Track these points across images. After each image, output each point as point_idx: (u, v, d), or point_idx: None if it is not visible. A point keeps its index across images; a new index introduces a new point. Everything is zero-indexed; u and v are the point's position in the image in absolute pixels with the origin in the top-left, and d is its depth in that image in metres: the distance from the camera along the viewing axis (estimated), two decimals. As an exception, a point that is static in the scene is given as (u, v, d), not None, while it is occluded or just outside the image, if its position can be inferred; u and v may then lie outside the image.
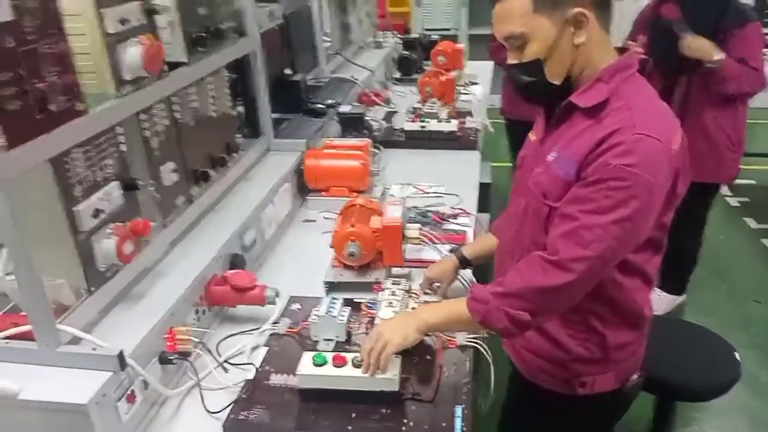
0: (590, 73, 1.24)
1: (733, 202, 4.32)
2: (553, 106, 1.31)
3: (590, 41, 1.22)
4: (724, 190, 4.44)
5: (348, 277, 1.69)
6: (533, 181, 1.31)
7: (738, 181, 4.42)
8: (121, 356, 1.15)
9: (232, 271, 1.58)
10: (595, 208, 1.16)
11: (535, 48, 1.23)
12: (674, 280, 3.05)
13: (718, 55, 2.50)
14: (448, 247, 1.78)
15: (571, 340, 1.35)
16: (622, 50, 1.29)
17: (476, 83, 3.39)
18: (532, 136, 1.43)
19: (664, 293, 3.09)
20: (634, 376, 1.43)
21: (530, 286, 1.22)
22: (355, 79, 3.06)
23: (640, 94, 1.24)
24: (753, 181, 4.55)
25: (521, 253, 1.33)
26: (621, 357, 1.38)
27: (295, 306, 1.59)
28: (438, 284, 1.62)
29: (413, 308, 1.49)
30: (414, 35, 4.02)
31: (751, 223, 4.03)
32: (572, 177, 1.22)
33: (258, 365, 1.38)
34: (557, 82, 1.25)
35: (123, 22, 1.33)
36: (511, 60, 1.28)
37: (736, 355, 1.95)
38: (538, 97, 1.33)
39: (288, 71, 2.68)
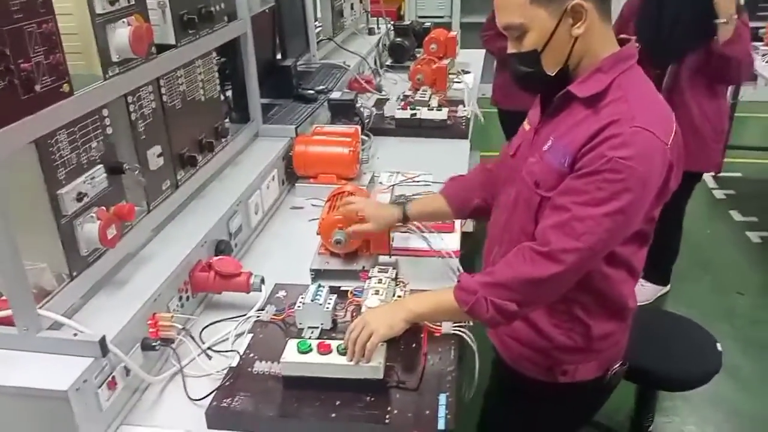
0: (589, 64, 1.24)
1: (719, 194, 4.35)
2: (550, 96, 1.31)
3: (589, 32, 1.21)
4: (710, 182, 4.48)
5: (334, 264, 1.69)
6: (527, 170, 1.31)
7: (724, 174, 4.50)
8: (102, 342, 1.14)
9: (218, 258, 1.57)
10: (588, 200, 1.17)
11: (533, 38, 1.23)
12: (657, 270, 3.08)
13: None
14: (435, 235, 1.78)
15: (554, 329, 1.36)
16: (621, 41, 1.28)
17: (468, 72, 3.38)
18: (526, 126, 1.43)
19: (649, 283, 3.12)
20: (616, 366, 1.44)
21: (519, 276, 1.23)
22: (347, 66, 3.04)
23: (639, 86, 1.24)
24: (739, 174, 4.59)
25: (509, 242, 1.34)
26: (604, 347, 1.39)
27: (281, 293, 1.58)
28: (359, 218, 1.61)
29: (399, 297, 1.49)
30: (407, 22, 3.99)
31: (736, 215, 4.07)
32: (566, 167, 1.22)
33: (242, 352, 1.37)
34: (553, 73, 1.25)
35: (112, 2, 1.31)
36: (511, 49, 1.28)
37: (718, 346, 1.97)
38: (534, 87, 1.34)
39: (278, 56, 2.66)
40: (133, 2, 1.38)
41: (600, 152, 1.16)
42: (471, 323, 1.45)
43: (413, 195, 2.03)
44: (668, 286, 3.23)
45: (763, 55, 4.04)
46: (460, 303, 1.26)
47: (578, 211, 1.17)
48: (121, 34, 1.33)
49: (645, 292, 3.07)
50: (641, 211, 1.21)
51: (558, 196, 1.22)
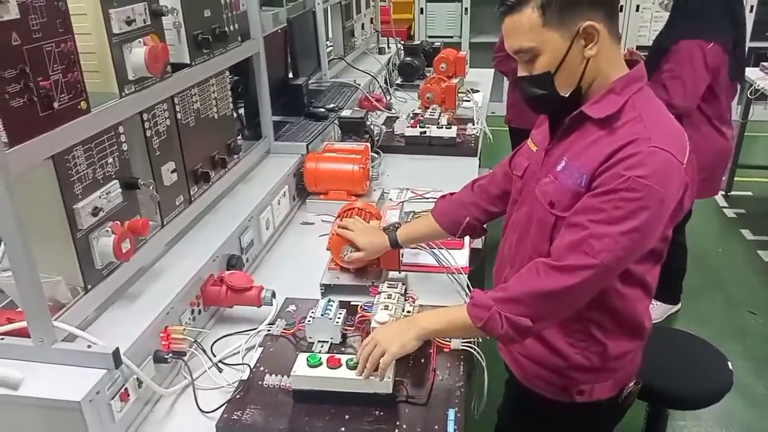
0: (601, 85, 1.25)
1: (730, 213, 4.33)
2: (559, 117, 1.31)
3: (601, 54, 1.22)
4: (721, 201, 4.46)
5: (344, 279, 1.70)
6: (540, 190, 1.32)
7: (734, 193, 4.49)
8: (116, 354, 1.16)
9: (229, 272, 1.59)
10: (606, 218, 1.17)
11: (545, 61, 1.23)
12: (666, 289, 3.06)
13: None
14: (445, 251, 1.79)
15: (570, 348, 1.35)
16: (630, 63, 1.29)
17: (477, 91, 3.41)
18: (532, 147, 1.43)
19: (659, 302, 3.10)
20: (631, 384, 1.43)
21: (532, 290, 1.22)
22: (357, 84, 3.08)
23: (652, 107, 1.25)
24: (749, 193, 4.57)
25: (521, 261, 1.34)
26: (620, 366, 1.39)
27: (291, 307, 1.59)
28: (354, 251, 1.64)
29: (408, 312, 1.49)
30: (416, 42, 4.04)
31: (747, 234, 4.05)
32: (582, 188, 1.22)
33: (252, 366, 1.38)
34: (566, 94, 1.25)
35: (129, 22, 1.34)
36: (522, 72, 1.28)
37: (729, 364, 1.96)
38: (547, 109, 1.34)
39: (290, 75, 2.70)
40: (149, 23, 1.41)
41: (617, 172, 1.16)
42: (481, 339, 1.45)
43: (422, 212, 2.04)
44: (679, 305, 3.20)
45: (771, 75, 4.04)
46: (474, 319, 1.25)
47: (595, 229, 1.17)
48: (137, 54, 1.37)
49: (655, 310, 3.06)
50: (657, 230, 1.21)
51: (574, 215, 1.22)
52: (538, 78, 1.25)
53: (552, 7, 1.19)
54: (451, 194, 1.70)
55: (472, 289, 1.42)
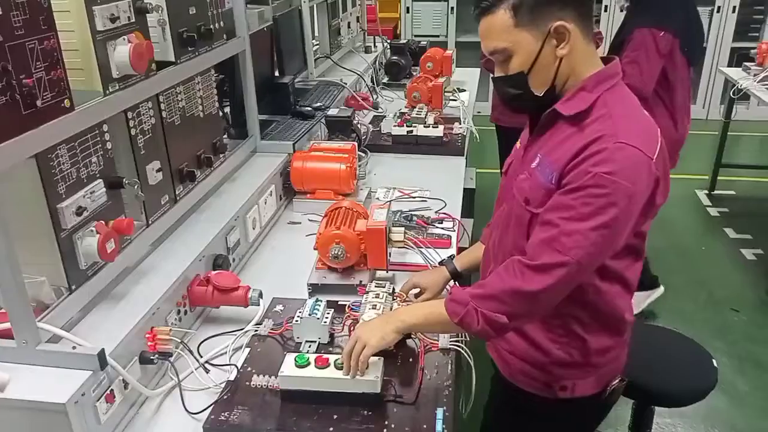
0: (575, 83, 1.27)
1: (713, 212, 4.38)
2: (539, 115, 1.33)
3: (573, 52, 1.24)
4: (705, 200, 4.51)
5: (332, 279, 1.70)
6: (517, 187, 1.34)
7: (718, 192, 4.54)
8: (101, 355, 1.15)
9: (216, 272, 1.57)
10: (575, 215, 1.18)
11: (518, 61, 1.25)
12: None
13: None
14: (432, 251, 1.79)
15: (551, 343, 1.37)
16: (605, 60, 1.31)
17: (464, 90, 3.42)
18: (518, 144, 1.45)
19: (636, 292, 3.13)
20: (615, 381, 1.44)
21: (509, 288, 1.23)
22: (344, 83, 3.07)
23: (623, 103, 1.26)
24: (732, 192, 4.62)
25: (503, 257, 1.35)
26: (602, 362, 1.40)
27: (279, 307, 1.59)
28: (418, 291, 1.62)
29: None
30: (403, 41, 4.04)
31: (730, 233, 4.09)
32: (553, 184, 1.24)
33: (240, 366, 1.37)
34: (540, 94, 1.28)
35: (113, 19, 1.33)
36: (498, 73, 1.31)
37: (714, 362, 1.98)
38: (524, 107, 1.36)
39: (276, 73, 2.69)
40: (133, 20, 1.40)
41: (584, 168, 1.17)
42: (468, 338, 1.46)
43: (409, 210, 2.05)
44: (661, 288, 3.23)
45: (755, 75, 4.09)
46: (451, 314, 1.26)
47: (566, 226, 1.19)
48: (121, 51, 1.35)
49: (635, 302, 3.08)
50: (628, 225, 1.21)
51: (546, 212, 1.23)
52: (512, 78, 1.27)
53: (523, 8, 1.21)
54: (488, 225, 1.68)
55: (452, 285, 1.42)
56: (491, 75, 1.34)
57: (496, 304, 1.23)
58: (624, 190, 1.16)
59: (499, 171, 3.95)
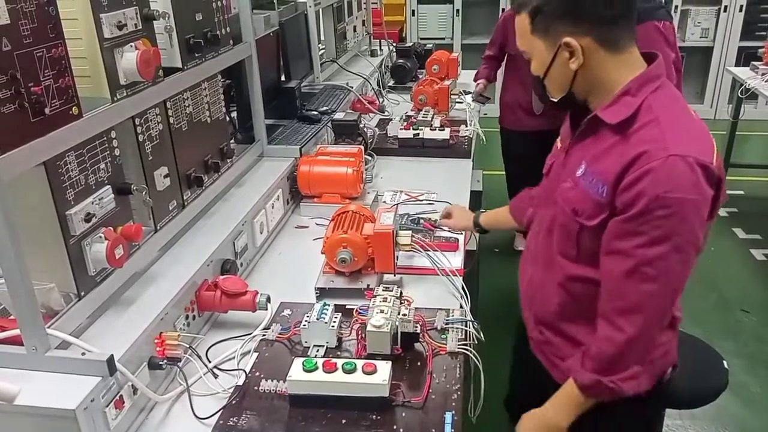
0: (606, 90, 1.24)
1: (722, 212, 4.35)
2: (575, 114, 1.33)
3: (594, 65, 1.22)
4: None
5: (339, 283, 1.70)
6: (562, 196, 1.31)
7: (727, 192, 4.50)
8: (110, 361, 1.15)
9: (223, 277, 1.58)
10: (649, 241, 1.16)
11: (535, 65, 1.29)
12: None
13: None
14: (439, 254, 1.79)
15: None
16: (648, 58, 1.27)
17: (470, 92, 3.41)
18: (558, 143, 1.44)
19: None
20: (669, 370, 1.43)
21: (622, 345, 1.23)
22: (350, 87, 3.07)
23: (670, 107, 1.22)
24: (741, 192, 4.59)
25: (545, 262, 1.38)
26: (656, 356, 1.37)
27: (286, 312, 1.59)
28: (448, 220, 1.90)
29: (404, 315, 1.47)
30: (408, 44, 4.04)
31: (740, 233, 4.07)
32: (603, 197, 1.21)
33: (248, 371, 1.38)
34: (556, 99, 1.30)
35: (120, 27, 1.34)
36: (531, 68, 1.34)
37: (725, 363, 1.96)
38: (549, 104, 1.35)
39: (283, 78, 2.69)
40: (140, 27, 1.41)
41: (642, 191, 1.14)
42: (476, 341, 1.46)
43: (416, 213, 2.05)
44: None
45: (763, 74, 4.06)
46: (596, 398, 1.29)
47: (644, 255, 1.17)
48: (128, 58, 1.36)
49: None
50: (702, 233, 1.19)
51: (615, 241, 1.20)
52: (534, 78, 1.32)
53: (538, 17, 1.24)
54: (527, 189, 1.75)
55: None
56: None
57: (622, 366, 1.25)
58: (690, 204, 1.14)
59: (503, 173, 3.97)
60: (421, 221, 2.00)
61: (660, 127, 1.17)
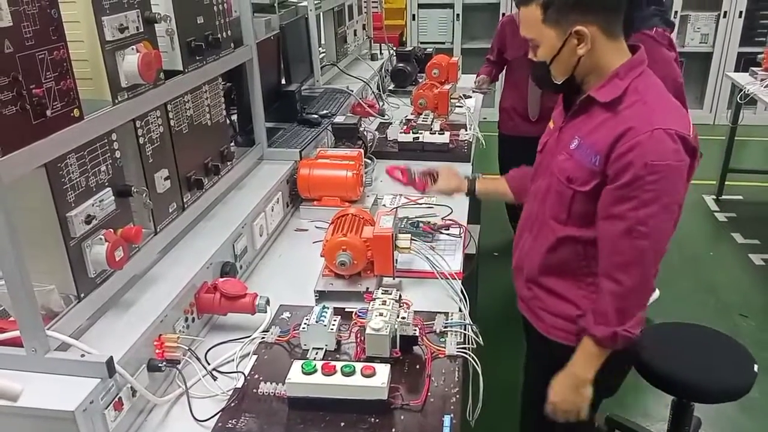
0: (600, 74, 1.42)
1: (721, 217, 4.36)
2: (569, 97, 1.51)
3: (595, 51, 1.40)
4: (712, 205, 4.50)
5: (338, 286, 1.70)
6: (558, 167, 1.49)
7: (725, 197, 4.53)
8: (110, 363, 1.15)
9: (223, 279, 1.58)
10: (641, 203, 1.34)
11: (542, 52, 1.45)
12: None
13: None
14: (438, 257, 1.79)
15: (583, 299, 1.52)
16: (632, 48, 1.45)
17: (470, 96, 3.43)
18: (551, 124, 1.62)
19: None
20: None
21: (628, 295, 1.41)
22: (350, 90, 3.08)
23: (653, 89, 1.41)
24: (740, 197, 4.60)
25: (539, 227, 1.57)
26: None
27: (285, 315, 1.59)
28: (434, 178, 1.97)
29: (403, 318, 1.47)
30: (409, 48, 4.05)
31: (738, 238, 4.07)
32: (596, 166, 1.39)
33: (247, 373, 1.38)
34: (560, 82, 1.46)
35: (122, 29, 1.34)
36: (530, 55, 1.50)
37: (755, 367, 1.99)
38: (548, 88, 1.52)
39: (283, 81, 2.70)
40: (142, 30, 1.41)
41: (632, 161, 1.32)
42: (475, 345, 1.46)
43: (416, 217, 2.05)
44: (657, 291, 3.22)
45: (762, 80, 4.08)
46: (613, 347, 1.45)
47: (636, 215, 1.35)
48: (130, 61, 1.36)
49: None
50: (683, 194, 1.39)
51: (610, 207, 1.38)
52: (538, 64, 1.47)
53: (550, 8, 1.39)
54: (521, 167, 1.89)
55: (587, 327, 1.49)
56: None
57: (630, 314, 1.41)
58: (674, 169, 1.33)
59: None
60: (421, 225, 2.00)
61: (646, 105, 1.36)
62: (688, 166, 1.36)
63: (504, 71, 3.60)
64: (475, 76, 3.66)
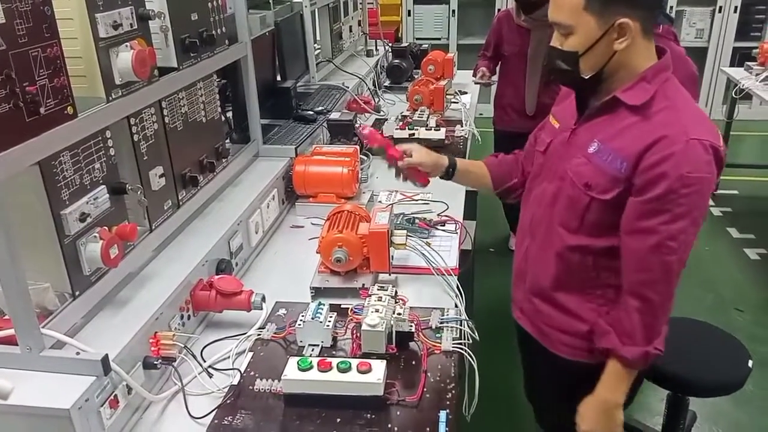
0: (627, 74, 1.33)
1: (716, 212, 4.37)
2: (584, 96, 1.41)
3: (631, 48, 1.30)
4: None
5: (334, 282, 1.70)
6: (573, 170, 1.40)
7: (720, 192, 4.54)
8: (105, 361, 1.15)
9: (219, 276, 1.58)
10: (671, 218, 1.28)
11: (576, 41, 1.32)
12: None
13: None
14: (435, 253, 1.79)
15: (592, 313, 1.45)
16: (658, 51, 1.37)
17: (465, 92, 3.42)
18: (554, 123, 1.51)
19: None
20: None
21: (659, 314, 1.36)
22: (345, 87, 3.08)
23: (682, 96, 1.35)
24: (735, 192, 4.61)
25: (544, 234, 1.47)
26: None
27: (281, 311, 1.59)
28: (410, 157, 1.70)
29: (399, 314, 1.47)
30: (404, 44, 4.05)
31: (734, 232, 4.09)
32: (622, 173, 1.31)
33: (243, 370, 1.38)
34: (587, 76, 1.34)
35: (115, 26, 1.34)
36: (554, 43, 1.37)
37: (750, 363, 2.00)
38: (566, 82, 1.44)
39: (278, 78, 2.69)
40: (135, 27, 1.41)
41: (665, 172, 1.25)
42: (471, 340, 1.46)
43: (411, 213, 2.05)
44: None
45: (757, 75, 4.08)
46: (644, 366, 1.41)
47: (667, 231, 1.28)
48: (124, 58, 1.36)
49: None
50: (708, 205, 1.35)
51: (637, 221, 1.31)
52: (566, 54, 1.34)
53: None
54: (498, 154, 1.79)
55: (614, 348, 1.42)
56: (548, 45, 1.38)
57: (657, 330, 1.37)
58: (707, 182, 1.27)
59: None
60: (417, 221, 2.00)
61: (677, 112, 1.29)
62: (716, 177, 1.30)
63: (500, 66, 3.59)
64: (473, 70, 3.63)
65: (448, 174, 1.73)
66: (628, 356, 1.37)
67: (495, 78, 3.62)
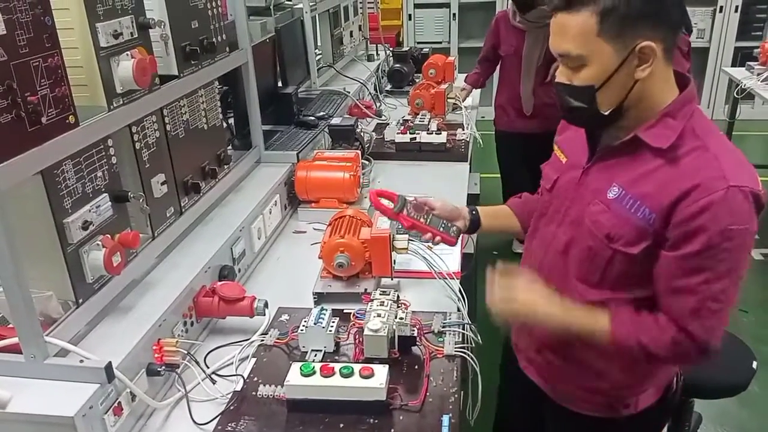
0: (649, 107, 1.16)
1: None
2: (595, 131, 1.25)
3: (653, 76, 1.13)
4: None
5: (337, 287, 1.70)
6: (591, 219, 1.23)
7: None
8: (108, 368, 1.16)
9: (221, 283, 1.58)
10: (714, 276, 1.13)
11: (591, 73, 1.13)
12: None
13: None
14: (437, 257, 1.79)
15: (616, 370, 1.31)
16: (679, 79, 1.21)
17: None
18: (561, 158, 1.35)
19: None
20: (674, 381, 1.41)
21: (679, 358, 1.25)
22: (347, 92, 3.08)
23: (711, 132, 1.17)
24: (740, 193, 4.59)
25: (559, 286, 1.28)
26: (661, 371, 1.37)
27: (284, 317, 1.59)
28: (431, 210, 1.53)
29: (401, 319, 1.48)
30: (405, 48, 4.06)
31: (738, 234, 4.07)
32: (650, 225, 1.15)
33: (246, 376, 1.38)
34: (606, 112, 1.16)
35: (116, 35, 1.34)
36: (561, 79, 1.18)
37: (754, 364, 1.99)
38: (582, 122, 1.25)
39: (279, 84, 2.70)
40: (136, 35, 1.42)
41: (703, 225, 1.09)
42: (473, 345, 1.46)
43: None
44: None
45: (759, 74, 4.08)
46: (619, 349, 1.22)
47: (709, 291, 1.13)
48: (125, 67, 1.37)
49: None
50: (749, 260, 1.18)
51: (676, 279, 1.15)
52: (579, 89, 1.15)
53: (612, 17, 1.08)
54: (521, 195, 1.62)
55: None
56: (554, 82, 1.21)
57: (663, 355, 1.20)
58: (750, 233, 1.12)
59: (499, 176, 3.97)
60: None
61: (710, 154, 1.13)
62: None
63: (499, 67, 3.60)
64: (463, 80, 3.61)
65: (473, 225, 1.57)
66: (615, 330, 1.21)
67: (492, 80, 3.63)
